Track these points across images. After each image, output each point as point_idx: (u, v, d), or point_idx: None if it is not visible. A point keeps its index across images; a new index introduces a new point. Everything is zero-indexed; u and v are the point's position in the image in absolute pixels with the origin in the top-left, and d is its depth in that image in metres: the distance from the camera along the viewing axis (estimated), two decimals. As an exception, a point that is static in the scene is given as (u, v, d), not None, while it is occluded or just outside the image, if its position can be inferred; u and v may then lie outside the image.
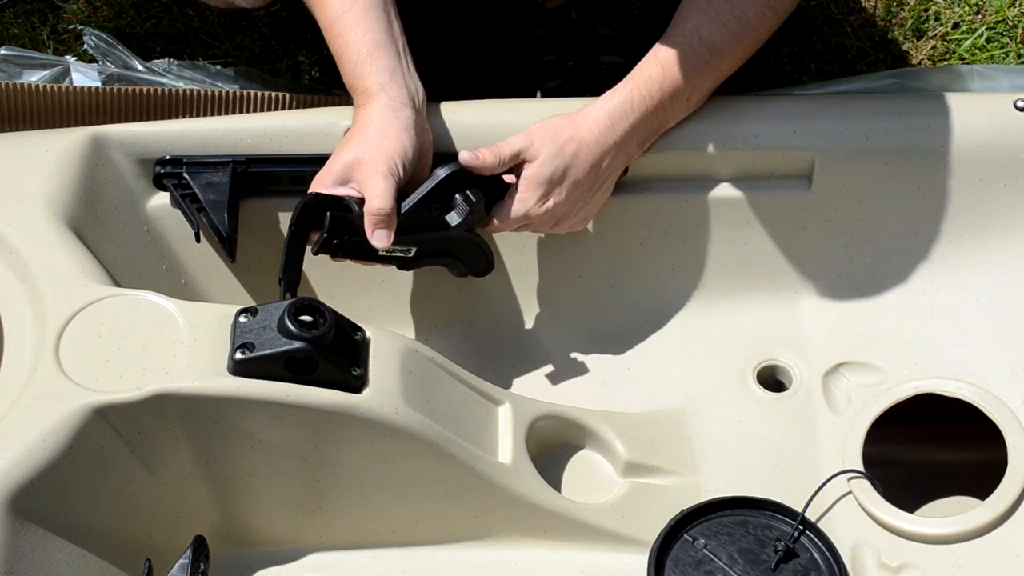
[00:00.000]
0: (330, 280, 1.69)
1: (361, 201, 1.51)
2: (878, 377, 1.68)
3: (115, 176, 1.63)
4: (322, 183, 1.53)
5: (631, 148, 1.63)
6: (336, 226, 1.50)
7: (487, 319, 1.76)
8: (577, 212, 1.62)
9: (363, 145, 1.53)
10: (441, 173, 1.55)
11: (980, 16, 2.17)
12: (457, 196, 1.55)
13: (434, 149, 1.62)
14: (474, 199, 1.55)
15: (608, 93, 1.62)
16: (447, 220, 1.55)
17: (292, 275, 1.52)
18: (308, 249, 1.54)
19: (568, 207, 1.60)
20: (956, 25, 2.16)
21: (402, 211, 1.52)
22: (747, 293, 1.75)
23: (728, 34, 1.62)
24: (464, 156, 1.56)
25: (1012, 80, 1.95)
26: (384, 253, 1.55)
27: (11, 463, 1.34)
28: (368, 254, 1.55)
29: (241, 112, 1.88)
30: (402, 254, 1.57)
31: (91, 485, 1.39)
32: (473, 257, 1.63)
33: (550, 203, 1.58)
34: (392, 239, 1.51)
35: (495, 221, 1.59)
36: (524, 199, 1.58)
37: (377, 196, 1.49)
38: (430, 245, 1.58)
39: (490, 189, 1.58)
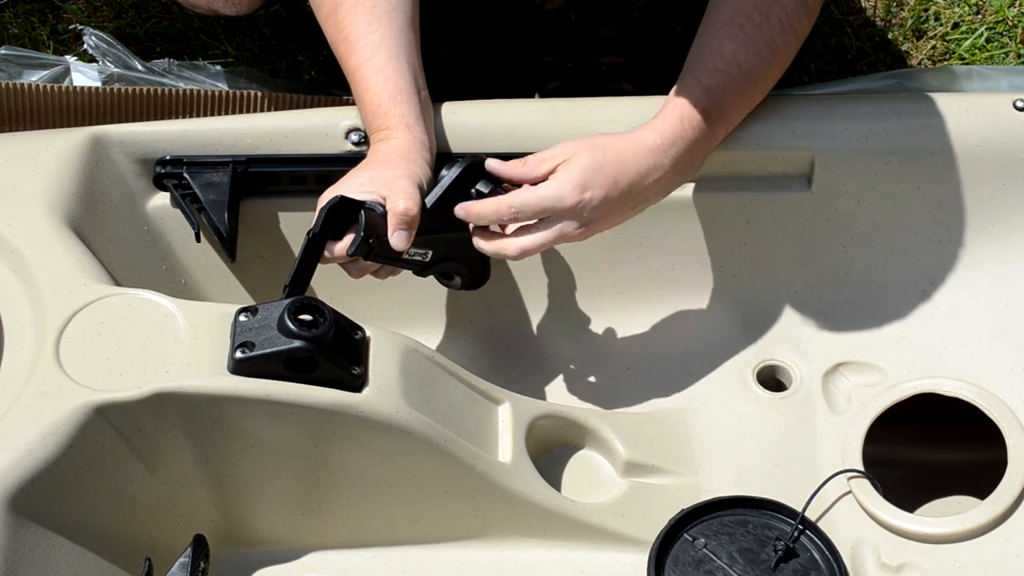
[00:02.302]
0: (330, 280, 1.69)
1: (384, 205, 1.49)
2: (878, 377, 1.68)
3: (115, 176, 1.63)
4: (340, 192, 1.51)
5: (677, 174, 1.60)
6: (370, 223, 1.48)
7: (487, 319, 1.76)
8: (602, 223, 1.56)
9: (386, 165, 1.53)
10: (456, 169, 1.55)
11: (980, 16, 2.17)
12: (472, 191, 1.55)
13: (434, 150, 1.63)
14: (487, 190, 1.55)
15: (656, 119, 1.59)
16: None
17: (301, 284, 1.49)
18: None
19: (602, 209, 1.54)
20: (956, 25, 2.16)
21: (427, 206, 1.52)
22: (747, 293, 1.75)
23: (761, 61, 1.61)
24: (491, 163, 1.55)
25: (1012, 80, 1.95)
26: (406, 257, 1.54)
27: (11, 462, 1.34)
28: (392, 258, 1.54)
29: (241, 112, 1.88)
30: (421, 258, 1.57)
31: (91, 484, 1.39)
32: (477, 263, 1.62)
33: (586, 195, 1.52)
34: (411, 241, 1.50)
35: (524, 196, 1.52)
36: (560, 182, 1.52)
37: (404, 198, 1.49)
38: (443, 248, 1.58)
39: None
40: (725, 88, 1.60)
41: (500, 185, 1.57)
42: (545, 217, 1.54)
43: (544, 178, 1.55)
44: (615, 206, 1.56)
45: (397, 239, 1.49)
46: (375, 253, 1.51)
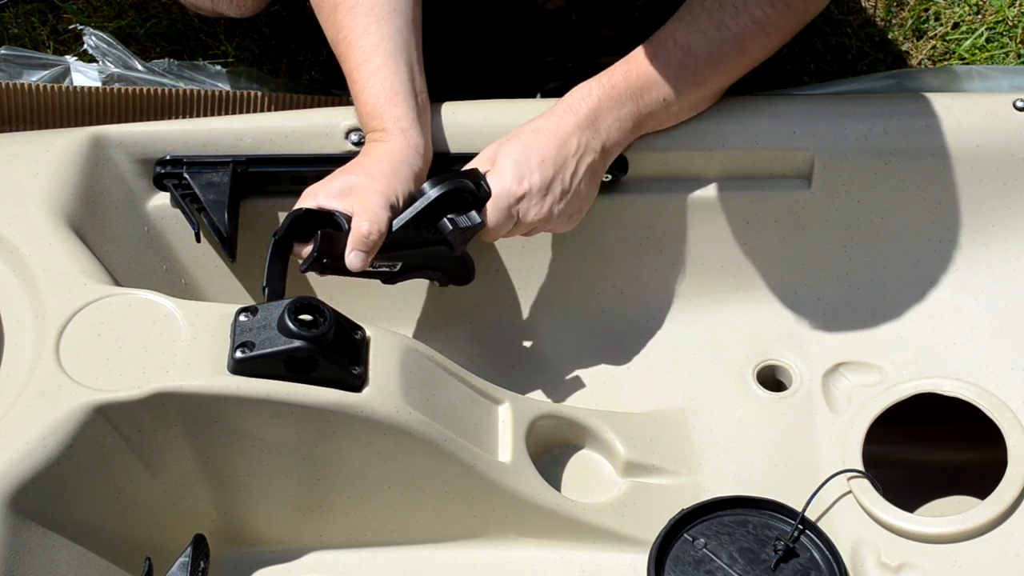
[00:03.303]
0: (330, 280, 1.69)
1: (350, 219, 1.50)
2: (878, 377, 1.68)
3: (115, 176, 1.63)
4: (316, 196, 1.52)
5: (600, 135, 1.61)
6: (326, 244, 1.49)
7: (487, 319, 1.76)
8: (562, 201, 1.59)
9: (370, 173, 1.53)
10: (433, 193, 1.53)
11: (980, 16, 2.17)
12: (445, 218, 1.54)
13: (433, 151, 1.63)
14: (459, 222, 1.54)
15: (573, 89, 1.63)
16: (449, 241, 1.55)
17: (278, 285, 1.50)
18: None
19: (547, 190, 1.57)
20: (956, 25, 2.16)
21: (393, 229, 1.52)
22: (747, 293, 1.75)
23: (708, 40, 1.61)
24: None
25: (1012, 80, 1.95)
26: (370, 269, 1.54)
27: (11, 462, 1.34)
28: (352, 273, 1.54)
29: (241, 112, 1.89)
30: (387, 269, 1.57)
31: (91, 484, 1.39)
32: (455, 269, 1.63)
33: (525, 184, 1.56)
34: (368, 263, 1.50)
35: (489, 218, 1.57)
36: (501, 181, 1.55)
37: (370, 220, 1.49)
38: (414, 260, 1.58)
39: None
40: (654, 58, 1.61)
41: (468, 213, 1.56)
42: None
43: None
44: (557, 182, 1.58)
45: (352, 259, 1.49)
46: (331, 268, 1.51)
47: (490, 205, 1.56)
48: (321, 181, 1.55)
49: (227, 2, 1.90)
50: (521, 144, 1.58)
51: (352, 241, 1.49)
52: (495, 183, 1.56)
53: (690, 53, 1.62)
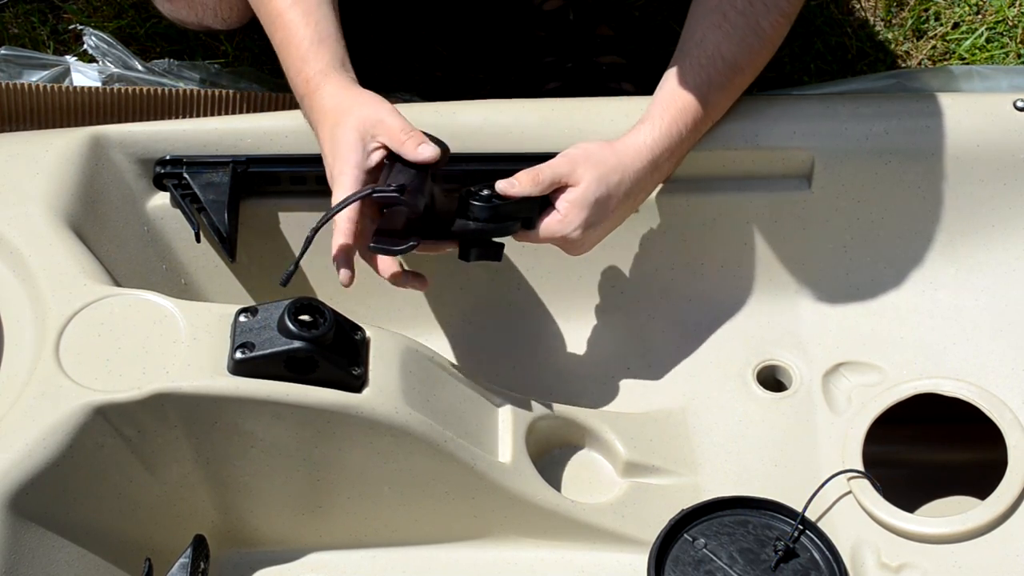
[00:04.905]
0: (330, 280, 1.69)
1: (401, 186, 1.48)
2: (878, 377, 1.68)
3: (115, 176, 1.63)
4: (349, 161, 1.49)
5: (662, 176, 1.62)
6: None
7: (487, 319, 1.76)
8: (599, 238, 1.60)
9: (367, 107, 1.52)
10: (477, 227, 1.53)
11: (980, 16, 2.17)
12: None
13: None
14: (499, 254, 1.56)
15: (647, 124, 1.58)
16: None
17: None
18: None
19: (602, 233, 1.58)
20: (956, 25, 2.17)
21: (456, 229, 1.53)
22: (747, 293, 1.75)
23: (747, 48, 1.60)
24: (500, 185, 1.52)
25: (1012, 80, 1.95)
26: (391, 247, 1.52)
27: (11, 463, 1.34)
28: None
29: (241, 112, 1.89)
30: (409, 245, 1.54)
31: (91, 484, 1.39)
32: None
33: (591, 229, 1.55)
34: (433, 152, 1.48)
35: (532, 235, 1.56)
36: (567, 221, 1.54)
37: (397, 120, 1.49)
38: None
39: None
40: (711, 84, 1.59)
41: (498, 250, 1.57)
42: None
43: (556, 186, 1.55)
44: (610, 226, 1.58)
45: (422, 152, 1.47)
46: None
47: (537, 236, 1.55)
48: (343, 147, 1.51)
49: (212, 15, 1.90)
50: (606, 189, 1.54)
51: (409, 142, 1.48)
52: (558, 222, 1.53)
53: (736, 68, 1.60)
